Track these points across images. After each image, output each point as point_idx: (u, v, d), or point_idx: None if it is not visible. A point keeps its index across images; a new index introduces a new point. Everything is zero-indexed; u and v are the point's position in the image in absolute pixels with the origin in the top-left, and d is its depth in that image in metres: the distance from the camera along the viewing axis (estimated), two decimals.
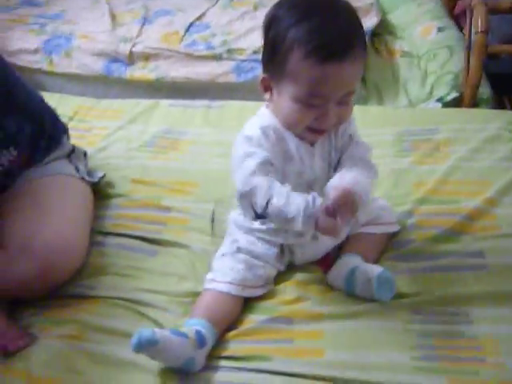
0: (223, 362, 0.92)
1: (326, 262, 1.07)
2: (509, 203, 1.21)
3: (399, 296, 1.00)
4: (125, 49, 1.86)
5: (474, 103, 1.70)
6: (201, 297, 1.00)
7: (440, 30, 1.93)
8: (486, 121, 1.51)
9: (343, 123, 0.98)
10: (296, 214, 0.90)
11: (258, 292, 1.01)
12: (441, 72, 1.78)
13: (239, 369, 0.90)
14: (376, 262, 1.06)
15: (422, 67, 1.84)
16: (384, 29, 2.08)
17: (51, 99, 1.71)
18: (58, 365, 0.91)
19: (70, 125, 1.61)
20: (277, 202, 0.91)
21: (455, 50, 1.82)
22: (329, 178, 0.98)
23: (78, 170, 1.26)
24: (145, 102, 1.72)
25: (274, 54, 0.91)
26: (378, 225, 1.09)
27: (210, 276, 1.02)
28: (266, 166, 0.95)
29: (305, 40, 0.86)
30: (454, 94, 1.72)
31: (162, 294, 1.05)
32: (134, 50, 1.86)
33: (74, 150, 1.32)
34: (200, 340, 0.89)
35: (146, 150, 1.51)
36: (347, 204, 0.89)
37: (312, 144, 1.00)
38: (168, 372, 0.90)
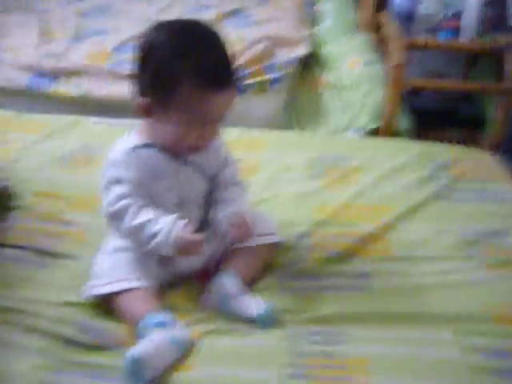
0: None
1: (206, 276, 1.07)
2: (403, 228, 1.24)
3: (279, 313, 1.00)
4: (50, 64, 1.85)
5: (392, 134, 1.75)
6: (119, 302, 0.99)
7: (366, 64, 1.99)
8: (398, 151, 1.56)
9: (215, 139, 1.04)
10: (156, 233, 0.96)
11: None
12: (361, 103, 1.84)
13: None
14: (256, 276, 1.07)
15: (344, 98, 1.89)
16: (315, 61, 2.15)
17: None
18: None
19: None
20: (140, 221, 0.97)
21: (377, 83, 1.88)
22: (201, 195, 1.06)
23: None
24: (68, 118, 1.71)
25: (158, 83, 0.94)
26: (255, 237, 1.08)
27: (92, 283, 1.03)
28: (132, 189, 1.00)
29: (191, 71, 0.91)
30: (372, 125, 1.77)
31: (38, 303, 1.02)
32: (59, 65, 1.85)
33: None
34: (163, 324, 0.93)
35: (59, 164, 1.49)
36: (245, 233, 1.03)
37: (184, 161, 1.04)
38: None
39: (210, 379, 0.88)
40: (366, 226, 1.23)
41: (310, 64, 2.12)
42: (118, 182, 1.00)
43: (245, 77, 1.81)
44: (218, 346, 0.94)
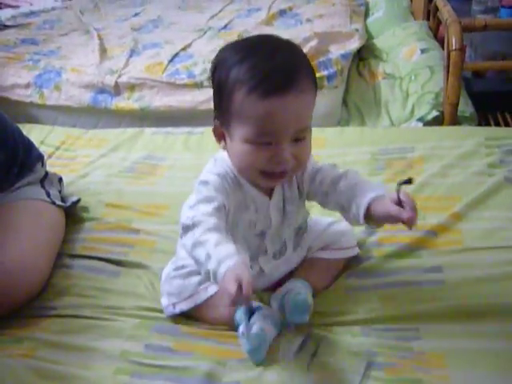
0: None
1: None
2: (475, 218, 1.19)
3: (348, 313, 0.98)
4: (111, 80, 1.92)
5: (455, 121, 1.69)
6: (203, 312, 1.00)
7: (423, 51, 1.94)
8: (463, 138, 1.50)
9: (302, 165, 0.93)
10: (206, 268, 0.83)
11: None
12: (421, 92, 1.78)
13: None
14: (328, 286, 1.05)
15: (403, 88, 1.85)
16: (369, 53, 2.11)
17: (42, 130, 1.82)
18: (8, 382, 0.91)
19: (57, 154, 1.70)
20: (202, 249, 0.84)
21: (436, 70, 1.82)
22: (284, 226, 0.99)
23: (48, 194, 1.30)
24: (129, 131, 1.77)
25: (219, 98, 0.90)
26: (333, 250, 1.07)
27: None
28: (217, 212, 0.89)
29: (245, 78, 0.84)
30: (434, 113, 1.72)
31: (122, 309, 1.06)
32: (119, 80, 1.91)
33: (47, 175, 1.36)
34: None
35: (125, 175, 1.55)
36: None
37: (269, 195, 0.97)
38: None
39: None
40: (435, 218, 1.19)
41: (365, 57, 2.08)
42: (204, 202, 0.90)
43: None
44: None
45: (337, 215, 1.16)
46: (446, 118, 1.69)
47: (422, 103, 1.76)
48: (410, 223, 0.85)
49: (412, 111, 1.77)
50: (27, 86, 1.99)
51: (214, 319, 0.99)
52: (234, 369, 0.91)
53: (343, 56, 1.85)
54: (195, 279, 1.01)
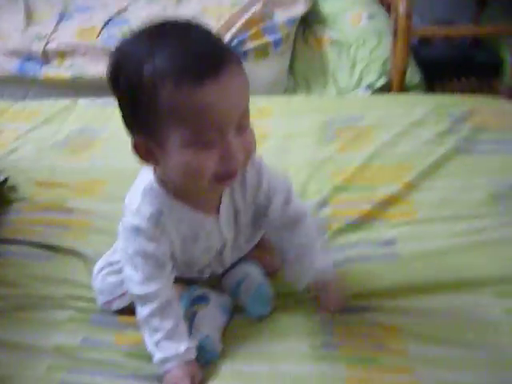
0: None
1: None
2: (428, 187, 1.16)
3: (305, 292, 0.93)
4: (39, 46, 1.76)
5: (403, 89, 1.66)
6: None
7: (370, 17, 1.88)
8: (413, 106, 1.46)
9: (251, 156, 0.77)
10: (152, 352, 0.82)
11: None
12: (369, 59, 1.73)
13: None
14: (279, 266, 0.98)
15: (351, 55, 1.79)
16: (315, 18, 2.04)
17: None
18: None
19: None
20: (156, 325, 0.81)
21: (384, 36, 1.77)
22: (240, 236, 0.91)
23: None
24: (61, 102, 1.64)
25: (136, 106, 0.70)
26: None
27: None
28: (161, 269, 0.82)
29: (167, 68, 0.67)
30: (382, 81, 1.68)
31: (51, 300, 0.97)
32: (48, 47, 1.76)
33: None
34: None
35: (58, 150, 1.44)
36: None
37: (217, 212, 0.85)
38: None
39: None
40: (387, 188, 1.15)
41: (310, 23, 2.01)
42: (143, 257, 0.81)
43: (244, 40, 1.71)
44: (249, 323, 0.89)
45: None
46: (393, 85, 1.65)
47: (369, 70, 1.71)
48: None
49: (360, 79, 1.72)
50: None
51: None
52: None
53: (289, 21, 1.76)
54: None
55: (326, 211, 1.12)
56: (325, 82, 1.76)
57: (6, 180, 1.27)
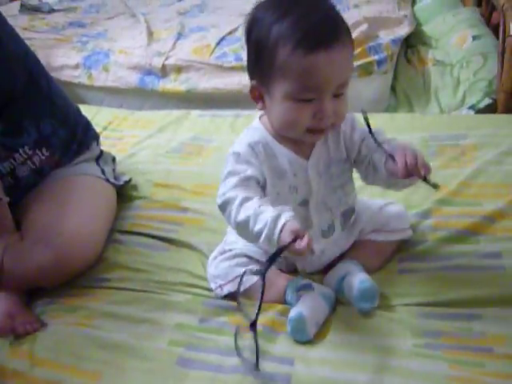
0: None
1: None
2: None
3: (407, 296, 0.96)
4: (158, 62, 1.93)
5: (510, 110, 1.64)
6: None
7: (475, 38, 1.88)
8: None
9: (341, 120, 0.92)
10: (259, 232, 0.85)
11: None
12: (474, 79, 1.74)
13: None
14: (380, 268, 1.04)
15: (454, 75, 1.80)
16: (418, 40, 2.06)
17: (90, 111, 1.82)
18: (63, 349, 0.94)
19: (104, 134, 1.72)
20: (245, 217, 0.87)
21: (489, 56, 1.77)
22: (328, 193, 0.98)
23: (103, 172, 1.32)
24: (175, 113, 1.77)
25: (259, 57, 0.88)
26: (385, 232, 1.05)
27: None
28: (247, 182, 0.92)
29: (289, 33, 0.83)
30: (486, 101, 1.67)
31: (174, 285, 1.07)
32: (166, 62, 1.92)
33: (102, 154, 1.38)
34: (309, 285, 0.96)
35: (172, 155, 1.56)
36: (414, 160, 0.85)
37: (307, 157, 0.96)
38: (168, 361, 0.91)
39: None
40: (492, 204, 1.15)
41: (414, 44, 2.04)
42: (234, 174, 0.93)
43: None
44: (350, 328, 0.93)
45: (387, 197, 1.16)
46: (499, 106, 1.64)
47: (473, 90, 1.71)
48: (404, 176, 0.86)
49: (463, 99, 1.72)
50: (76, 66, 2.02)
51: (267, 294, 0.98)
52: (284, 344, 0.91)
53: (393, 41, 1.81)
54: (241, 260, 1.01)
55: (429, 222, 1.14)
56: (427, 102, 1.78)
57: (129, 180, 1.41)
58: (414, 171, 0.85)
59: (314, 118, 0.87)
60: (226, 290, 1.01)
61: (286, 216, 0.83)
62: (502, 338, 0.86)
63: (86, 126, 1.37)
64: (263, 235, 0.84)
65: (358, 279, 0.94)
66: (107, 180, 1.30)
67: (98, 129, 1.75)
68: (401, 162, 0.85)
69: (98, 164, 1.34)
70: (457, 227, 1.11)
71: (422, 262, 1.04)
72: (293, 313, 0.91)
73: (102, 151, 1.39)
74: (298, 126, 0.89)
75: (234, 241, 1.05)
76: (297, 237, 0.81)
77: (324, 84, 0.84)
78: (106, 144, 1.68)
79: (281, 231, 0.82)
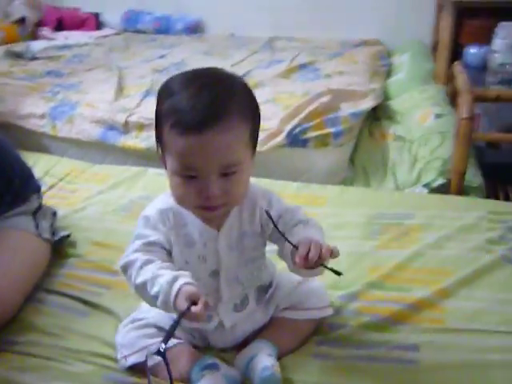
0: None
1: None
2: (463, 296, 1.13)
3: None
4: (121, 118, 1.94)
5: (462, 191, 1.64)
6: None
7: (437, 116, 1.91)
8: (466, 209, 1.45)
9: (235, 200, 0.89)
10: (156, 295, 0.84)
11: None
12: (430, 157, 1.74)
13: None
14: (296, 348, 1.00)
15: (412, 152, 1.81)
16: (384, 113, 2.09)
17: (50, 160, 1.85)
18: None
19: (59, 185, 1.72)
20: (143, 279, 0.86)
21: (447, 136, 1.78)
22: (239, 266, 0.96)
23: (37, 226, 1.29)
24: (133, 169, 1.78)
25: (156, 127, 0.89)
26: (302, 310, 1.02)
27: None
28: (151, 247, 0.92)
29: (169, 113, 0.83)
30: (440, 181, 1.67)
31: (79, 353, 1.03)
32: (129, 119, 1.93)
33: (40, 207, 1.36)
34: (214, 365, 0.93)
35: (119, 214, 1.54)
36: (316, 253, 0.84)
37: (218, 228, 0.95)
38: None
39: None
40: (421, 292, 1.13)
41: (378, 117, 2.07)
42: (140, 238, 0.93)
43: (306, 129, 1.79)
44: None
45: None
46: (452, 186, 1.64)
47: (429, 169, 1.72)
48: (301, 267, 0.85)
49: (418, 176, 1.72)
50: (42, 116, 2.03)
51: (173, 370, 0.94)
52: None
53: (353, 114, 1.83)
54: (150, 331, 0.98)
55: (354, 305, 1.11)
56: (384, 176, 1.79)
57: (68, 236, 1.39)
58: (315, 261, 0.84)
59: (199, 196, 0.85)
60: (131, 361, 0.97)
61: (182, 280, 0.82)
62: None
63: (26, 177, 1.36)
64: (159, 299, 0.83)
65: (262, 366, 0.91)
66: (39, 235, 1.28)
67: (53, 180, 1.76)
68: (301, 252, 0.84)
69: (34, 218, 1.32)
70: (380, 313, 1.08)
71: (338, 348, 1.00)
72: None
73: (40, 205, 1.37)
74: (186, 202, 0.89)
75: (146, 310, 1.02)
76: (193, 302, 0.79)
77: (201, 166, 0.83)
78: (57, 196, 1.68)
79: (176, 296, 0.81)
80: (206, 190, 0.84)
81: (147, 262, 0.88)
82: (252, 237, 0.97)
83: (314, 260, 0.83)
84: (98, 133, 1.96)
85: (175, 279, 0.82)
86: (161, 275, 0.84)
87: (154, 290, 0.84)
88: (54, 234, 1.35)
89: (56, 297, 1.20)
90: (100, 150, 1.99)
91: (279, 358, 0.97)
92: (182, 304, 0.80)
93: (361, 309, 1.11)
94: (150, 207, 0.97)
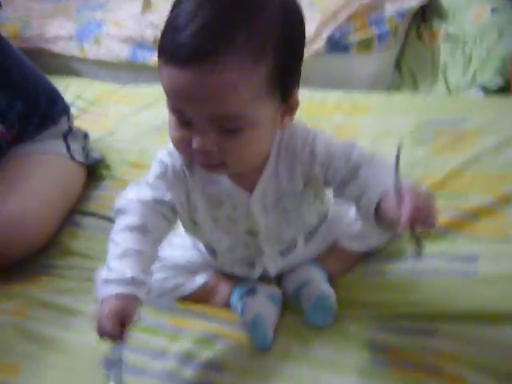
0: None
1: None
2: None
3: (363, 306, 0.87)
4: (150, 35, 1.83)
5: None
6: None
7: (494, 11, 1.70)
8: None
9: (235, 162, 0.69)
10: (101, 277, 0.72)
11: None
12: (486, 57, 1.57)
13: None
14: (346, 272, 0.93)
15: (466, 52, 1.64)
16: (434, 13, 1.89)
17: (81, 84, 1.78)
18: None
19: (91, 108, 1.67)
20: (114, 245, 0.74)
21: (506, 33, 1.59)
22: (282, 226, 0.82)
23: (69, 149, 1.25)
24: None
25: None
26: (361, 239, 0.92)
27: None
28: (159, 206, 0.76)
29: (163, 31, 0.65)
30: (498, 81, 1.51)
31: None
32: (159, 35, 1.82)
33: (71, 130, 1.31)
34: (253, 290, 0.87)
35: (152, 134, 1.48)
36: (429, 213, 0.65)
37: (250, 189, 0.77)
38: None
39: None
40: (479, 199, 1.03)
41: (427, 17, 1.87)
42: (152, 188, 0.78)
43: (348, 33, 1.64)
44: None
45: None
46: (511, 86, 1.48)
47: (485, 69, 1.55)
48: (405, 229, 0.63)
49: (473, 78, 1.57)
50: (69, 38, 1.94)
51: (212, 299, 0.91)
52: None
53: (399, 14, 1.65)
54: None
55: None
56: (434, 81, 1.64)
57: (101, 158, 1.35)
58: (419, 223, 0.63)
59: (191, 146, 0.66)
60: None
61: (109, 291, 0.69)
62: (452, 357, 0.75)
63: (53, 97, 1.30)
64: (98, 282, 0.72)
65: (319, 292, 0.85)
66: (72, 158, 1.24)
67: (85, 103, 1.70)
68: (409, 207, 0.62)
69: (65, 140, 1.27)
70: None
71: (390, 264, 0.93)
72: (248, 316, 0.83)
73: (71, 127, 1.32)
74: (180, 149, 0.70)
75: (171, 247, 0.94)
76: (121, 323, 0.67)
77: (188, 109, 0.64)
78: (90, 119, 1.63)
79: (102, 302, 0.70)
80: (196, 141, 0.65)
81: (134, 229, 0.74)
82: (294, 195, 0.79)
83: (425, 221, 0.63)
84: (127, 52, 1.86)
85: (106, 281, 0.70)
86: (115, 260, 0.71)
87: (106, 267, 0.72)
88: (87, 156, 1.31)
89: (92, 219, 1.19)
90: (131, 71, 1.90)
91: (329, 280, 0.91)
92: (106, 326, 0.67)
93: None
94: (169, 151, 0.78)
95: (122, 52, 1.87)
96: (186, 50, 0.60)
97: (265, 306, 0.85)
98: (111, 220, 1.13)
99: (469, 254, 0.92)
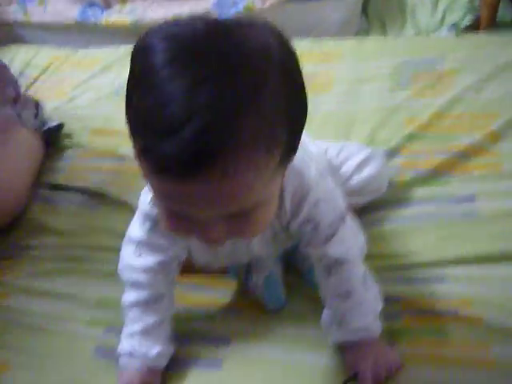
0: None
1: None
2: None
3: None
4: None
5: (493, 27, 1.46)
6: None
7: None
8: (503, 46, 1.27)
9: (250, 235, 0.59)
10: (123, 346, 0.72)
11: None
12: None
13: None
14: None
15: None
16: None
17: (28, 51, 1.65)
18: None
19: (43, 77, 1.55)
20: (131, 318, 0.72)
21: None
22: (273, 252, 0.78)
23: (19, 115, 1.15)
24: (122, 49, 1.58)
25: (127, 101, 0.53)
26: (358, 196, 0.87)
27: None
28: (167, 267, 0.72)
29: (142, 123, 0.49)
30: (468, 19, 1.48)
31: (95, 250, 0.95)
32: None
33: (19, 97, 1.21)
34: None
35: (114, 98, 1.38)
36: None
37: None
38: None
39: None
40: (468, 138, 1.00)
41: None
42: (151, 250, 0.72)
43: None
44: None
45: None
46: (482, 22, 1.46)
47: (454, 7, 1.52)
48: None
49: (443, 17, 1.53)
50: (10, 1, 1.80)
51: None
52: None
53: None
54: None
55: (397, 161, 1.00)
56: (402, 23, 1.59)
57: (60, 126, 1.25)
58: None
59: (198, 234, 0.55)
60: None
61: (135, 366, 0.70)
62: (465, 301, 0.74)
63: None
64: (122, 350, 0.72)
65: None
66: (23, 125, 1.14)
67: (36, 71, 1.58)
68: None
69: (13, 108, 1.17)
70: (425, 168, 0.96)
71: (384, 211, 0.91)
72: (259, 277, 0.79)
73: (18, 94, 1.21)
74: (178, 236, 0.66)
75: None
76: None
77: (188, 211, 0.52)
78: (44, 88, 1.51)
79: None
80: (206, 232, 0.54)
81: (152, 307, 0.72)
82: (286, 235, 0.72)
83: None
84: (76, 12, 1.73)
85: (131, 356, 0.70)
86: (142, 339, 0.71)
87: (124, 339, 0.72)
88: (43, 125, 1.21)
89: (61, 192, 1.10)
90: (82, 33, 1.77)
91: None
92: None
93: (403, 164, 0.99)
94: (152, 202, 0.66)
95: (71, 12, 1.74)
96: (185, 161, 0.45)
97: (273, 263, 0.81)
98: (83, 191, 1.09)
99: (465, 195, 0.90)
